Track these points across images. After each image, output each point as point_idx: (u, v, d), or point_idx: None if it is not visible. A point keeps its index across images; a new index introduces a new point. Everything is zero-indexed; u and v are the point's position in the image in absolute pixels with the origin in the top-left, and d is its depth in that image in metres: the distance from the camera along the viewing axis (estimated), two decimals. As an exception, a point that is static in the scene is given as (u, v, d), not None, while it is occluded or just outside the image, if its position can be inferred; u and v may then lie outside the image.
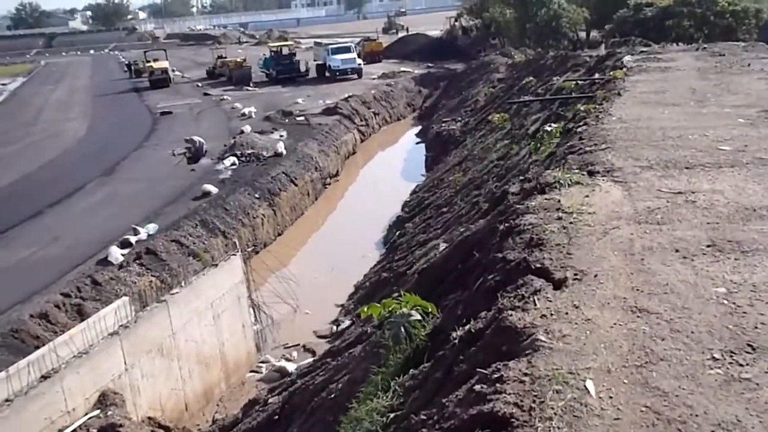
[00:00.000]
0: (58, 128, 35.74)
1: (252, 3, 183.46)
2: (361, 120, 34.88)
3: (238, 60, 50.18)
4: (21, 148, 31.08)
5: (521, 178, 8.95)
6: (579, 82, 16.67)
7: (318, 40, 58.27)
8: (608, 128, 8.28)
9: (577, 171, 6.30)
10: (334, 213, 25.01)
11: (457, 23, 63.82)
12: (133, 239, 17.12)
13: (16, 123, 38.52)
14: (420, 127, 36.35)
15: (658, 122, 8.59)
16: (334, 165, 28.24)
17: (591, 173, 6.31)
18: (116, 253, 16.16)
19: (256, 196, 21.64)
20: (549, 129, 10.99)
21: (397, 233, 19.27)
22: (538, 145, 11.01)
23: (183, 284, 12.07)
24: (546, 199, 5.50)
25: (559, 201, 5.41)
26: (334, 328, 15.53)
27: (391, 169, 30.02)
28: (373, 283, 16.38)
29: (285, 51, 49.80)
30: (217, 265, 13.03)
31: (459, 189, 18.43)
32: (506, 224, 5.53)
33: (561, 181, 5.89)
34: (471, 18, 59.87)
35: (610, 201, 5.55)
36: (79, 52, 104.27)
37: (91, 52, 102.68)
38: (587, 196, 5.59)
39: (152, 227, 17.83)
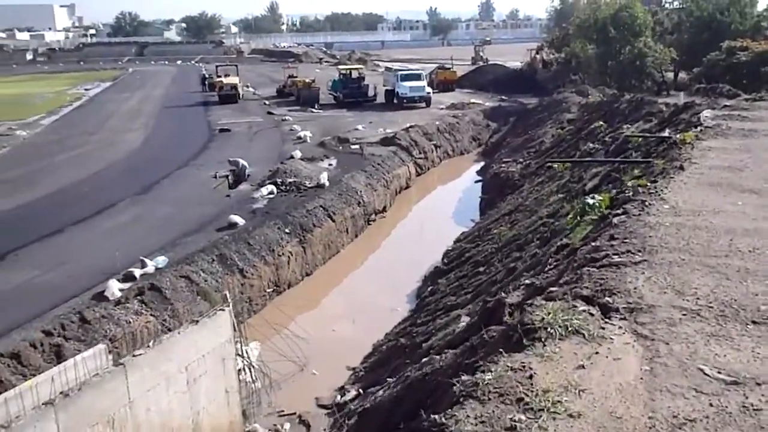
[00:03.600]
0: (115, 138, 35.56)
1: (339, 24, 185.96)
2: (420, 152, 33.07)
3: (307, 80, 49.43)
4: (72, 157, 30.84)
5: (528, 282, 6.89)
6: (642, 139, 14.29)
7: (389, 65, 57.09)
8: (654, 223, 6.18)
9: (584, 306, 4.27)
10: (372, 254, 23.18)
11: (538, 56, 61.45)
12: (137, 272, 15.80)
13: (78, 130, 38.69)
14: (483, 164, 34.25)
15: (725, 219, 6.38)
16: (382, 200, 26.49)
17: (605, 309, 4.28)
18: (114, 288, 14.84)
19: (287, 231, 20.08)
20: (592, 202, 8.83)
21: (429, 289, 17.28)
22: (577, 220, 8.89)
23: (150, 344, 10.48)
24: (511, 368, 3.51)
25: (531, 377, 3.42)
26: (338, 397, 13.69)
27: (444, 209, 28.03)
28: (389, 348, 14.44)
29: (354, 74, 48.75)
30: (197, 322, 11.39)
31: (501, 246, 16.30)
32: (462, 389, 3.55)
33: (552, 326, 3.89)
34: (552, 51, 57.38)
35: (617, 384, 3.51)
36: (166, 62, 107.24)
37: (178, 62, 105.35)
38: (582, 365, 3.60)
39: (162, 260, 16.48)
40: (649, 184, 8.20)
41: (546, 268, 7.07)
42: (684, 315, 4.45)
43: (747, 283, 5.03)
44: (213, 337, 11.57)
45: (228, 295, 12.35)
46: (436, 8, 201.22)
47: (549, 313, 4.04)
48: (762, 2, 47.44)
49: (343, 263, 21.78)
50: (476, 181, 31.08)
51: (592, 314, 4.17)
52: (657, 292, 4.75)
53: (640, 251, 5.49)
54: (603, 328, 4.07)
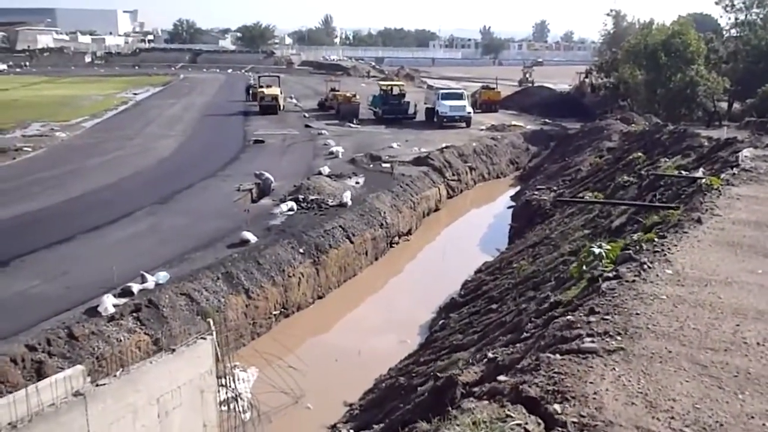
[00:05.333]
0: (150, 145, 35.58)
1: (392, 39, 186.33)
2: (453, 174, 32.12)
3: (348, 95, 48.96)
4: (104, 161, 30.86)
5: (491, 356, 5.88)
6: (670, 177, 13.06)
7: (432, 83, 56.35)
8: (648, 294, 5.15)
9: (521, 416, 3.33)
10: (391, 278, 22.28)
11: (586, 80, 59.88)
12: (136, 288, 15.25)
13: (116, 135, 38.91)
14: (518, 189, 33.08)
15: (736, 295, 5.26)
16: (407, 222, 25.61)
17: (548, 423, 3.34)
18: (107, 303, 14.29)
19: (300, 251, 19.37)
20: (598, 251, 7.74)
21: (441, 323, 16.30)
22: (580, 271, 7.82)
23: (117, 374, 9.80)
24: None
25: None
26: (330, 437, 12.81)
27: (472, 235, 26.96)
28: (388, 386, 13.50)
29: (395, 90, 48.14)
30: (174, 350, 10.69)
31: (518, 282, 15.23)
32: None
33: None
34: (601, 76, 55.77)
35: None
36: (218, 70, 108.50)
37: (229, 71, 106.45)
38: None
39: (163, 275, 15.90)
40: (656, 239, 7.12)
41: (521, 336, 6.11)
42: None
43: (743, 397, 3.89)
44: (191, 368, 10.85)
45: (212, 322, 11.62)
46: (489, 27, 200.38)
47: (472, 426, 3.13)
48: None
49: (358, 287, 20.95)
50: (509, 207, 29.93)
51: (527, 431, 3.24)
52: (622, 402, 3.72)
53: (620, 334, 4.46)
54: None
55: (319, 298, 19.63)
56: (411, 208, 26.30)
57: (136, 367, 10.12)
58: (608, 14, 77.46)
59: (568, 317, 5.13)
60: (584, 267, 7.91)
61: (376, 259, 22.91)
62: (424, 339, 16.49)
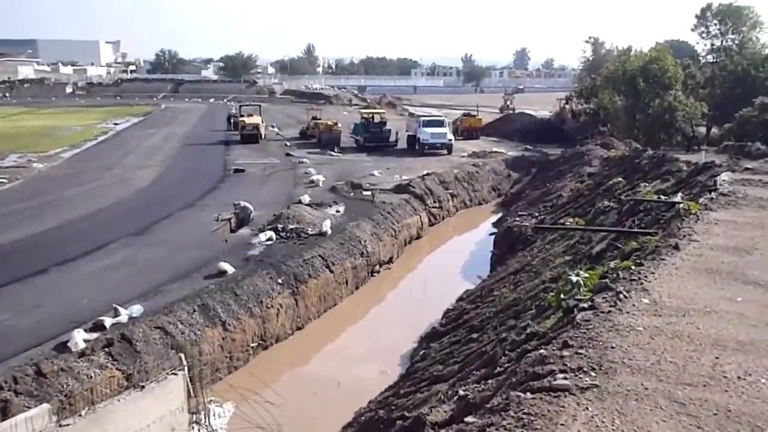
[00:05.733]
0: (128, 175, 35.19)
1: (374, 68, 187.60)
2: (435, 201, 32.04)
3: (329, 123, 48.97)
4: (81, 192, 30.47)
5: (461, 394, 5.66)
6: (649, 202, 13.00)
7: (413, 111, 56.61)
8: (624, 326, 4.96)
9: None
10: (372, 308, 22.00)
11: (567, 106, 60.45)
12: (108, 321, 14.86)
13: (95, 165, 38.50)
14: (500, 216, 33.02)
15: (715, 325, 5.07)
16: (388, 250, 25.39)
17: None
18: (78, 338, 13.89)
19: (279, 281, 19.07)
20: (575, 279, 7.56)
21: (422, 353, 16.03)
22: (558, 300, 7.63)
23: (82, 413, 9.45)
24: None
25: None
26: (306, 473, 12.45)
27: (454, 262, 26.77)
28: (367, 420, 13.16)
29: (377, 118, 48.22)
30: (143, 388, 10.36)
31: (499, 311, 15.02)
32: None
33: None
34: (581, 102, 56.35)
35: None
36: (200, 100, 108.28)
37: (211, 100, 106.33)
38: None
39: (137, 309, 15.53)
40: (633, 267, 6.95)
41: (495, 370, 5.88)
42: None
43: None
44: (161, 404, 10.54)
45: (183, 357, 11.30)
46: (471, 55, 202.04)
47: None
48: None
49: (339, 317, 20.65)
50: (491, 234, 29.82)
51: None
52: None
53: (594, 369, 4.25)
54: None
55: (299, 329, 19.30)
56: (392, 236, 26.11)
57: (103, 406, 9.79)
58: (587, 41, 78.79)
59: (541, 351, 4.89)
60: (562, 295, 7.74)
61: (357, 288, 22.64)
62: (405, 369, 16.20)
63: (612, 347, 4.64)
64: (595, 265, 10.37)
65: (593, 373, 4.24)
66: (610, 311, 5.44)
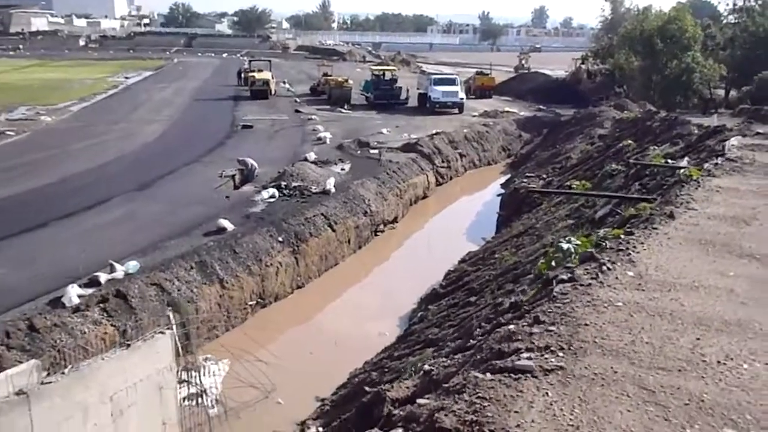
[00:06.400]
0: (136, 129, 34.93)
1: (389, 24, 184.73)
2: (443, 161, 31.57)
3: (340, 79, 48.24)
4: (87, 146, 30.26)
5: (426, 369, 5.37)
6: (655, 166, 12.52)
7: (427, 68, 55.62)
8: (603, 301, 4.61)
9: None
10: (374, 268, 21.80)
11: (582, 66, 59.16)
12: (103, 277, 14.75)
13: (103, 119, 38.25)
14: (509, 177, 32.54)
15: (702, 302, 4.67)
16: (393, 210, 25.09)
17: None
18: (72, 294, 13.79)
19: (279, 239, 18.88)
20: (566, 247, 7.22)
21: (420, 315, 15.86)
22: (548, 267, 7.31)
23: (65, 371, 9.33)
24: None
25: None
26: (298, 432, 12.37)
27: (460, 223, 26.46)
28: (360, 381, 13.05)
29: (387, 75, 47.42)
30: (128, 345, 10.21)
31: (498, 274, 14.76)
32: None
33: None
34: (597, 62, 55.06)
35: None
36: (213, 54, 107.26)
37: (224, 55, 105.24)
38: None
39: (133, 265, 15.40)
40: (622, 236, 6.55)
41: (467, 343, 5.59)
42: None
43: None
44: (148, 364, 10.37)
45: (172, 316, 11.16)
46: (488, 13, 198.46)
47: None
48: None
49: (340, 277, 20.49)
50: (498, 195, 29.43)
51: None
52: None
53: (562, 349, 3.90)
54: None
55: (299, 287, 19.17)
56: (397, 195, 25.79)
57: (87, 364, 9.66)
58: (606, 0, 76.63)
59: (510, 327, 4.58)
60: (553, 263, 7.42)
61: (360, 247, 22.44)
62: (403, 331, 16.07)
63: (586, 324, 4.31)
64: (591, 232, 10.04)
65: (561, 354, 3.92)
66: (590, 284, 5.09)
